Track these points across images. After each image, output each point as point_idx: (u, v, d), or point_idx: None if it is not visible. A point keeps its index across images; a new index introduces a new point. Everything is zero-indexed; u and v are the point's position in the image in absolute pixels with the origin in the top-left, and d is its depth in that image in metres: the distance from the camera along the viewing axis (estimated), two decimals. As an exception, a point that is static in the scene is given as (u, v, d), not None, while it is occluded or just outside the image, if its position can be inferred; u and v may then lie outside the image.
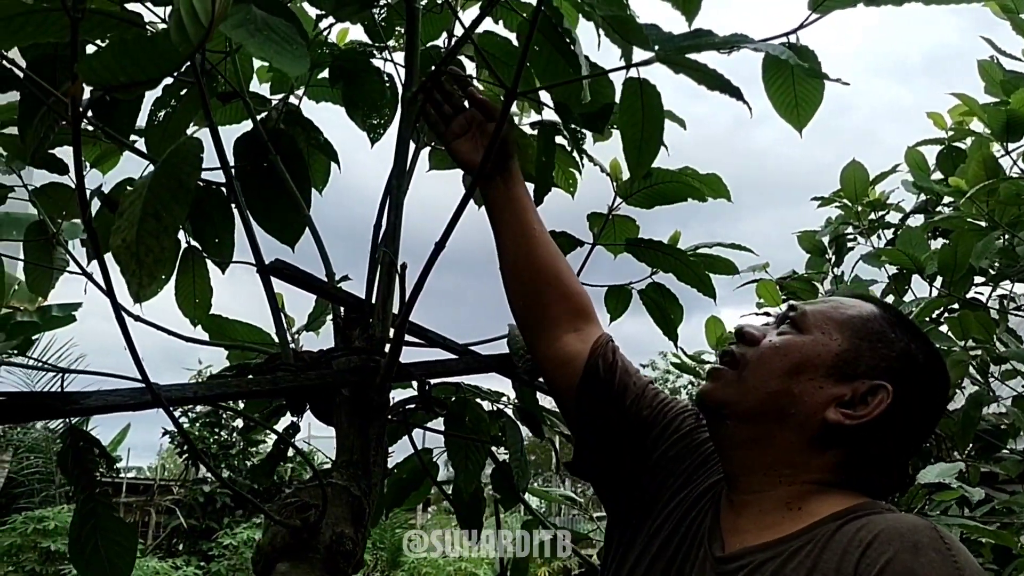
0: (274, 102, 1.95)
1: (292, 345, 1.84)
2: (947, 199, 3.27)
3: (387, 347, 1.42)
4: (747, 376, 1.05)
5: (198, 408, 9.58)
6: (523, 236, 1.33)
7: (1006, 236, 2.89)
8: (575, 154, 1.97)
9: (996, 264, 2.99)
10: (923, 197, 3.42)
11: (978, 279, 3.06)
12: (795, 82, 1.48)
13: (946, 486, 2.12)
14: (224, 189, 1.67)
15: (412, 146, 1.76)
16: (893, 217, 3.62)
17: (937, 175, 3.33)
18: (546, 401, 1.83)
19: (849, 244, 3.62)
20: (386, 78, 1.89)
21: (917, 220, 3.52)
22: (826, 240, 3.64)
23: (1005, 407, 2.91)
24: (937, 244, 3.14)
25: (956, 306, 2.93)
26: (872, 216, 3.57)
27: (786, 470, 1.02)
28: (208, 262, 1.88)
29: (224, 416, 9.34)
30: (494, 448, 1.73)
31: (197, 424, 9.64)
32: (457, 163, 1.39)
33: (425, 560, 10.35)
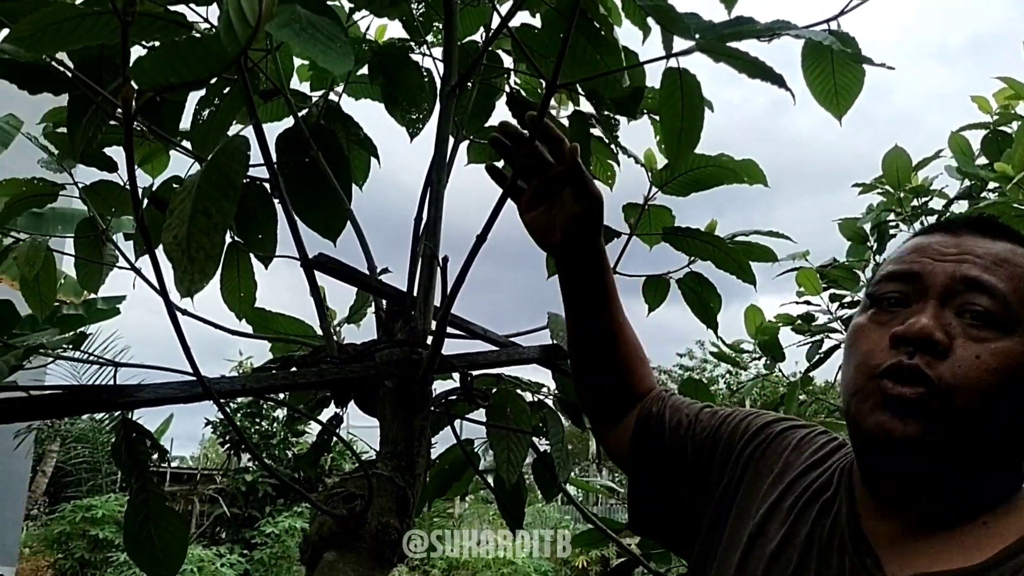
0: (314, 99, 1.97)
1: (335, 338, 1.87)
2: (992, 184, 3.21)
3: (429, 339, 1.44)
4: (956, 408, 0.78)
5: (239, 399, 9.72)
6: (603, 330, 1.17)
7: (1053, 221, 2.84)
8: (611, 146, 1.98)
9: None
10: (967, 183, 3.36)
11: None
12: (835, 69, 1.46)
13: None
14: (267, 185, 1.69)
15: (451, 140, 1.78)
16: (936, 203, 3.57)
17: (982, 160, 3.28)
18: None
19: (891, 231, 3.58)
20: (424, 73, 1.91)
21: (961, 206, 3.46)
22: (868, 227, 3.60)
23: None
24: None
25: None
26: (915, 203, 3.52)
27: (988, 500, 0.80)
28: (252, 257, 1.92)
29: (265, 407, 9.47)
30: (535, 439, 1.75)
31: (239, 415, 9.78)
32: (536, 241, 1.17)
33: (463, 549, 10.42)
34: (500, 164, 1.18)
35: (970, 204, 3.36)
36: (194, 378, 1.09)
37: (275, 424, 9.34)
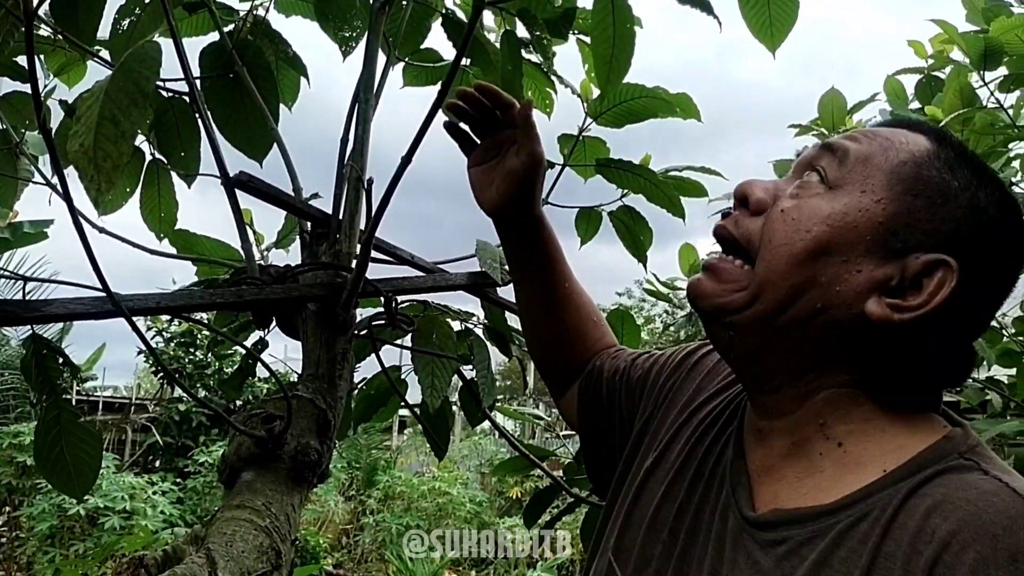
0: (242, 13, 1.90)
1: (260, 261, 1.83)
2: (923, 129, 3.26)
3: (354, 263, 1.42)
4: (759, 272, 0.78)
5: (172, 328, 9.56)
6: (550, 297, 1.17)
7: None
8: (548, 73, 1.95)
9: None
10: (900, 126, 3.41)
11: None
12: (770, 1, 1.46)
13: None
14: (189, 100, 1.64)
15: (383, 59, 1.73)
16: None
17: (915, 104, 3.32)
18: (515, 320, 1.85)
19: (825, 172, 3.62)
20: (357, -12, 1.85)
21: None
22: (801, 168, 3.63)
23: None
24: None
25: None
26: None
27: (813, 375, 0.77)
28: (174, 175, 1.86)
29: (199, 336, 9.34)
30: (462, 366, 1.75)
31: (172, 344, 9.64)
32: (476, 198, 1.14)
33: (400, 479, 10.53)
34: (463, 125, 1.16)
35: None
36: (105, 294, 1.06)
37: (209, 354, 9.22)
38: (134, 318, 1.18)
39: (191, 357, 9.53)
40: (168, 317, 9.53)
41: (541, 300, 1.18)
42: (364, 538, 10.05)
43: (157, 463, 10.04)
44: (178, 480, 8.68)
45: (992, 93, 2.68)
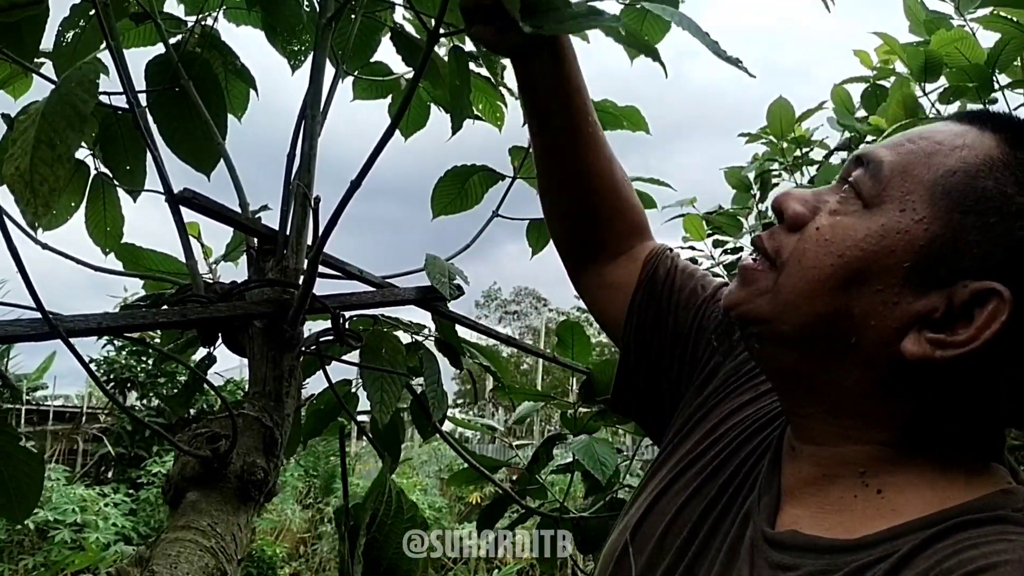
0: (190, 24, 1.88)
1: (209, 276, 1.82)
2: (870, 137, 3.33)
3: (301, 279, 1.41)
4: (783, 284, 0.71)
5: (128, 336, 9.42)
6: (575, 134, 1.01)
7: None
8: (498, 87, 1.97)
9: None
10: (847, 135, 3.49)
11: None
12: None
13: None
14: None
15: (332, 72, 1.73)
16: (818, 154, 3.69)
17: (861, 113, 3.39)
18: (465, 333, 1.85)
19: (774, 180, 3.69)
20: (305, 2, 1.84)
21: (840, 157, 3.59)
22: (751, 176, 3.70)
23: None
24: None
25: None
26: (797, 153, 3.63)
27: (852, 422, 0.70)
28: (120, 190, 1.84)
29: (164, 347, 9.21)
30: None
31: (123, 353, 9.49)
32: (480, 42, 1.02)
33: (359, 486, 10.46)
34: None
35: (848, 155, 3.48)
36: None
37: (162, 365, 9.09)
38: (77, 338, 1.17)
39: (143, 365, 9.39)
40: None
41: (571, 142, 1.02)
42: (322, 547, 9.97)
43: (109, 474, 9.87)
44: (131, 491, 8.54)
45: (933, 104, 2.76)
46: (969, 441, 0.68)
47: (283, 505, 9.67)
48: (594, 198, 1.05)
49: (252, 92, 1.92)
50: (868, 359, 0.67)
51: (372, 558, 1.66)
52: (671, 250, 1.06)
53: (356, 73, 1.96)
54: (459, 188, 1.95)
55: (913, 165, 0.68)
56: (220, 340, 1.43)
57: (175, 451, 1.30)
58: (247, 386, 1.39)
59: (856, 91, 3.36)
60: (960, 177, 0.66)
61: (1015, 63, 2.50)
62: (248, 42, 1.91)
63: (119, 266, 1.88)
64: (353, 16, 1.80)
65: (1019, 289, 0.63)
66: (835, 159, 3.58)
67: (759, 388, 0.89)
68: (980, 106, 2.55)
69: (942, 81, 2.62)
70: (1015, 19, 2.35)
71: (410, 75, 1.95)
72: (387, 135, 1.18)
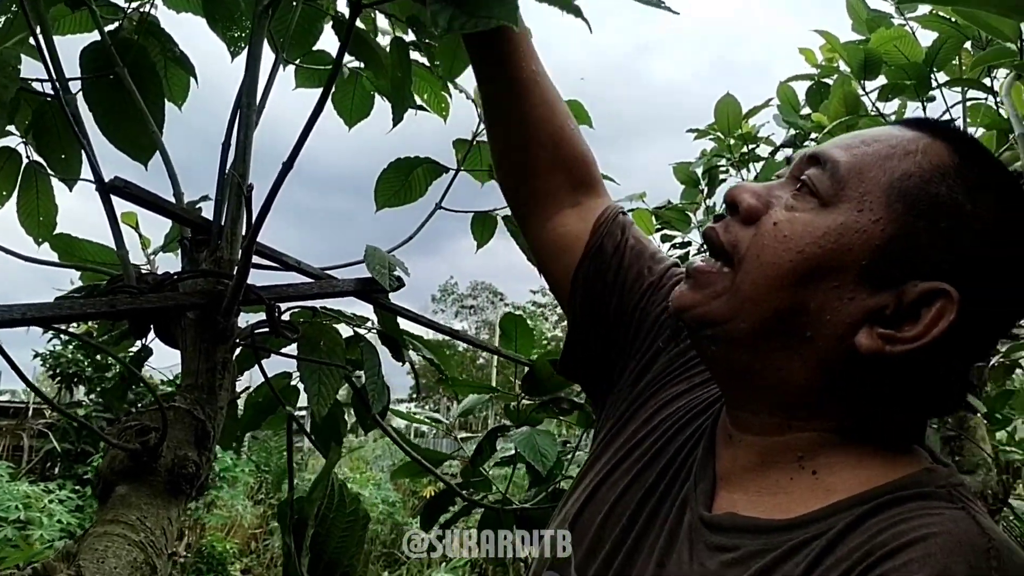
0: (128, 11, 1.85)
1: (147, 267, 1.79)
2: (813, 135, 3.38)
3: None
4: (741, 281, 0.72)
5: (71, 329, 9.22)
6: (513, 80, 1.00)
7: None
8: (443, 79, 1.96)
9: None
10: (791, 132, 3.53)
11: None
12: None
13: None
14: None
15: (272, 59, 1.71)
16: (764, 150, 3.74)
17: (806, 110, 3.44)
18: (408, 325, 1.85)
19: (721, 176, 3.73)
20: (243, -11, 1.82)
21: (786, 154, 3.64)
22: (699, 171, 3.73)
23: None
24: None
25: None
26: (744, 149, 3.67)
27: (798, 412, 0.73)
28: (53, 179, 1.80)
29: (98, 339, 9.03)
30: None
31: (70, 347, 9.29)
32: None
33: (311, 482, 10.38)
34: None
35: (793, 151, 3.53)
36: (-38, 306, 1.02)
37: (110, 360, 8.92)
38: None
39: (90, 360, 9.21)
40: (66, 319, 9.17)
41: (509, 87, 1.01)
42: (274, 542, 9.88)
43: (56, 470, 9.66)
44: (77, 488, 8.38)
45: (873, 103, 2.80)
46: (901, 427, 0.72)
47: (234, 501, 9.57)
48: (533, 145, 1.02)
49: (192, 80, 1.89)
50: (822, 353, 0.70)
51: (315, 551, 1.66)
52: (623, 214, 1.04)
53: (298, 61, 1.94)
54: (403, 180, 1.94)
55: (869, 167, 0.70)
56: (153, 332, 1.41)
57: (104, 445, 1.28)
58: (180, 379, 1.37)
59: (801, 89, 3.41)
60: (915, 181, 0.69)
61: (953, 62, 2.55)
62: (194, 29, 1.88)
63: (55, 257, 1.84)
64: (294, 3, 1.78)
65: (966, 290, 0.66)
66: (779, 156, 3.63)
67: (694, 379, 0.91)
68: (918, 103, 2.61)
69: (882, 79, 2.66)
70: (953, 19, 2.39)
71: (353, 64, 1.93)
72: (316, 113, 1.17)
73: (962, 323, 0.66)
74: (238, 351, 1.53)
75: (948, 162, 0.69)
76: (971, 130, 2.90)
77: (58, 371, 9.26)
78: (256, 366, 1.64)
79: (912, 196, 0.68)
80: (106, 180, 1.38)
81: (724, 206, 0.77)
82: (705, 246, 0.79)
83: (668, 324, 0.95)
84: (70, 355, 9.25)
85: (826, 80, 3.29)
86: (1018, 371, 3.14)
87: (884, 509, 0.64)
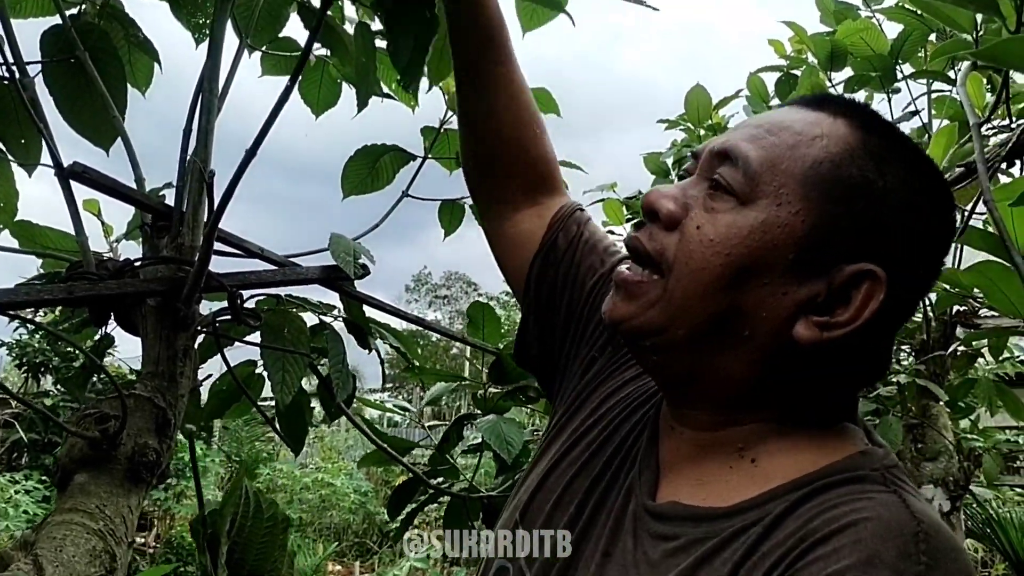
0: (90, -6, 1.82)
1: (109, 254, 1.77)
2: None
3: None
4: (673, 289, 0.71)
5: (39, 318, 9.09)
6: (487, 77, 1.02)
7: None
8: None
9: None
10: (760, 123, 3.55)
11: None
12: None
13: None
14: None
15: (235, 47, 1.70)
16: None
17: (776, 101, 3.46)
18: (373, 313, 1.84)
19: (691, 166, 3.74)
20: (207, -26, 1.79)
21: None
22: (670, 161, 3.74)
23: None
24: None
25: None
26: (713, 139, 3.68)
27: (741, 407, 0.74)
28: (13, 164, 1.77)
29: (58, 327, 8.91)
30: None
31: (37, 336, 9.16)
32: None
33: (282, 472, 10.35)
34: None
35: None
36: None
37: (77, 352, 8.81)
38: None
39: (57, 350, 9.09)
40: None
41: (479, 92, 1.03)
42: (245, 532, 9.83)
43: (23, 460, 9.54)
44: (44, 478, 8.28)
45: (840, 94, 2.82)
46: (835, 407, 0.74)
47: (204, 491, 9.50)
48: (499, 143, 1.03)
49: (156, 66, 1.87)
50: (762, 349, 0.70)
51: (235, 562, 1.64)
52: (581, 210, 1.03)
53: (264, 48, 1.93)
54: (370, 167, 1.93)
55: (780, 159, 0.70)
56: (113, 320, 1.40)
57: (63, 434, 1.27)
58: (140, 366, 1.36)
59: (771, 80, 3.42)
60: (827, 167, 0.69)
61: (918, 53, 2.58)
62: (159, 14, 1.86)
63: (16, 244, 1.81)
64: (258, -12, 1.76)
65: (891, 265, 0.68)
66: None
67: (639, 368, 0.91)
68: (883, 95, 2.63)
69: (848, 70, 2.69)
70: (918, 11, 2.42)
71: (320, 52, 1.92)
72: (281, 100, 1.17)
73: (891, 298, 0.68)
74: (200, 339, 1.53)
75: (853, 141, 0.70)
76: (935, 122, 2.94)
77: (24, 361, 9.13)
78: (220, 355, 1.63)
79: (826, 183, 0.68)
80: (65, 165, 1.36)
81: (643, 213, 0.76)
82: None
83: None
84: (36, 344, 9.12)
85: (794, 71, 3.31)
86: (980, 360, 3.19)
87: (818, 494, 0.65)
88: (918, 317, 2.98)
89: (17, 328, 9.29)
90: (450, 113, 1.95)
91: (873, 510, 0.61)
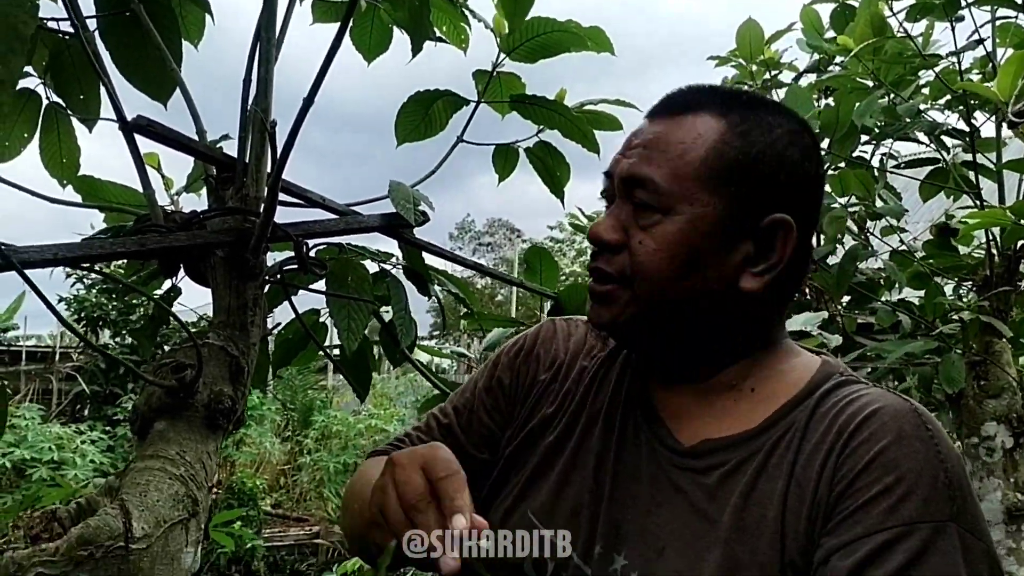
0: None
1: (170, 206, 1.79)
2: (838, 58, 3.30)
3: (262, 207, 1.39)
4: (639, 289, 0.87)
5: (94, 275, 9.30)
6: None
7: (890, 95, 2.96)
8: (460, 8, 1.93)
9: (880, 123, 3.07)
10: (815, 56, 3.45)
11: (865, 138, 3.13)
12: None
13: (807, 334, 2.24)
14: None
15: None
16: (787, 77, 3.66)
17: (831, 34, 3.35)
18: (432, 260, 1.85)
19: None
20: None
21: (810, 79, 3.56)
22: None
23: (883, 262, 3.07)
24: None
25: (843, 165, 3.01)
26: (766, 76, 3.59)
27: (723, 358, 0.90)
28: (75, 119, 1.79)
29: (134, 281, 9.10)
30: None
31: (94, 291, 9.38)
32: None
33: (336, 419, 10.54)
34: None
35: (817, 77, 3.46)
36: (-4, 247, 1.03)
37: (134, 302, 9.00)
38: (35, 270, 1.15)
39: (115, 304, 9.30)
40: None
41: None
42: (302, 478, 10.08)
43: (85, 412, 9.85)
44: (108, 429, 8.55)
45: (901, 24, 2.73)
46: (778, 325, 0.94)
47: (262, 438, 9.74)
48: None
49: (208, 17, 1.87)
50: (724, 311, 0.87)
51: None
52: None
53: (314, -5, 1.91)
54: (423, 114, 1.92)
55: (677, 169, 0.85)
56: (183, 271, 1.42)
57: (141, 383, 1.30)
58: (212, 316, 1.38)
59: (826, 11, 3.32)
60: (712, 159, 0.85)
61: (983, -21, 2.48)
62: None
63: (79, 200, 1.84)
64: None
65: (792, 209, 0.86)
66: (803, 81, 3.56)
67: (563, 358, 1.03)
68: (946, 23, 2.53)
69: (909, -1, 2.59)
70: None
71: (370, -2, 1.90)
72: (334, 47, 1.16)
73: (801, 231, 0.87)
74: (267, 288, 1.54)
75: (720, 127, 0.86)
76: (999, 51, 2.83)
77: (83, 315, 9.36)
78: (285, 304, 1.65)
79: (716, 171, 0.84)
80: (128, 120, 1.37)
81: (593, 246, 0.91)
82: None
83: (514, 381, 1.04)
84: (94, 299, 9.34)
85: (851, 2, 3.21)
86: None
87: (825, 399, 0.84)
88: (980, 252, 2.91)
89: (74, 284, 9.53)
90: (503, 56, 1.92)
91: (877, 402, 0.81)
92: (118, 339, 9.53)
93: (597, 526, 0.89)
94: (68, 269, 9.38)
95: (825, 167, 0.96)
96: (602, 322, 0.91)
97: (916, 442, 0.77)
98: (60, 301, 9.38)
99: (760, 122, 0.87)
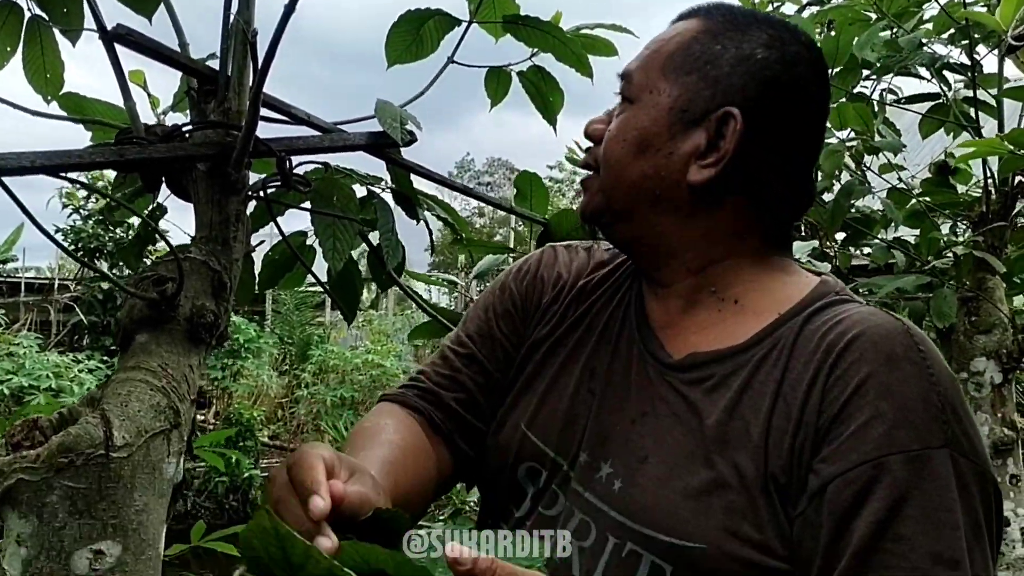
0: None
1: (155, 122, 1.76)
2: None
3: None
4: (604, 175, 0.94)
5: (91, 205, 9.27)
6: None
7: (892, 28, 2.90)
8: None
9: (882, 57, 3.02)
10: (817, -17, 3.39)
11: (866, 73, 3.09)
12: None
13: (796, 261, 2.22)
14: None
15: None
16: (790, 8, 3.59)
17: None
18: (421, 183, 1.83)
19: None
20: None
21: (811, 11, 3.49)
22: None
23: (880, 199, 3.05)
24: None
25: (844, 99, 2.97)
26: (770, 7, 3.53)
27: (688, 255, 0.92)
28: (58, 33, 1.76)
29: (117, 214, 9.06)
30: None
31: (91, 221, 9.35)
32: None
33: (334, 354, 10.62)
34: None
35: (821, 6, 3.40)
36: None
37: (130, 232, 8.98)
38: (13, 179, 1.14)
39: (111, 235, 9.28)
40: (85, 193, 9.22)
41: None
42: (299, 410, 10.20)
43: (83, 342, 9.90)
44: (105, 358, 8.60)
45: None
46: (774, 239, 0.93)
47: (259, 371, 9.82)
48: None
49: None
50: (673, 201, 0.90)
51: None
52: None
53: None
54: (414, 34, 1.88)
55: (649, 61, 0.93)
56: (165, 185, 1.40)
57: (123, 296, 1.29)
58: (194, 231, 1.37)
59: (831, -58, 3.24)
60: (678, 53, 0.91)
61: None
62: None
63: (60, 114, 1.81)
64: None
65: (744, 105, 0.87)
66: (806, 14, 3.49)
67: (567, 276, 1.07)
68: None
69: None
70: None
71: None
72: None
73: (754, 130, 0.87)
74: (252, 208, 1.53)
75: (698, 27, 0.91)
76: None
77: (80, 246, 9.35)
78: (271, 224, 1.64)
79: (677, 62, 0.90)
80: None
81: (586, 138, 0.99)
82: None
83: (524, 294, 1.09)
84: (91, 230, 9.32)
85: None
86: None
87: (815, 316, 0.84)
88: (978, 191, 2.89)
89: (71, 215, 9.49)
90: (496, -26, 1.87)
91: (868, 321, 0.80)
92: (115, 270, 9.53)
93: (584, 435, 0.92)
94: (65, 199, 9.33)
95: (819, 83, 0.93)
96: (583, 208, 0.98)
97: (907, 365, 0.76)
98: (57, 231, 9.37)
99: (741, 26, 0.91)
